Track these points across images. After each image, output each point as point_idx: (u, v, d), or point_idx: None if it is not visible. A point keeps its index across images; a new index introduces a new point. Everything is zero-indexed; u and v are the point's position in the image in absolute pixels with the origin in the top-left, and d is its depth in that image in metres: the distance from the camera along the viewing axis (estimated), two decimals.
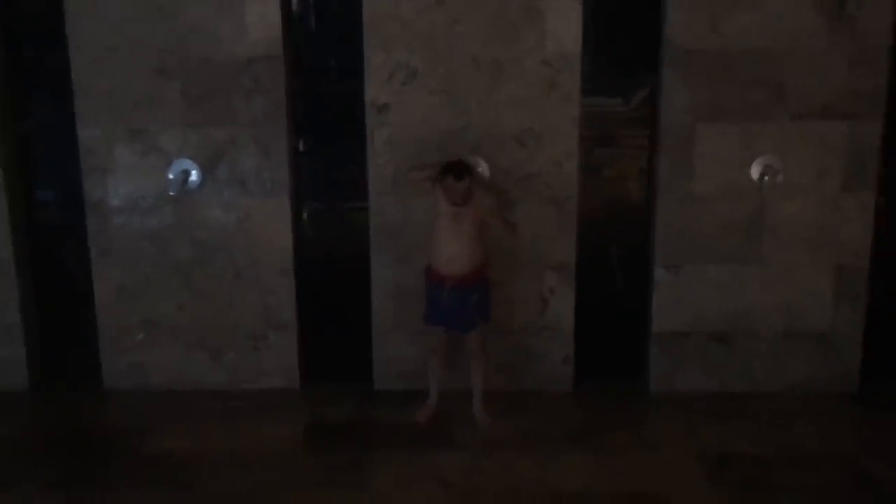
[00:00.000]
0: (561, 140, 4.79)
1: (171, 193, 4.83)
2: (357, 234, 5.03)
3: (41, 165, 5.29)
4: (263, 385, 5.13)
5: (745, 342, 5.03)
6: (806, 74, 4.68)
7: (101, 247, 5.00)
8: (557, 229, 4.90)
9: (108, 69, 4.77)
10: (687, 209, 4.86)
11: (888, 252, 4.98)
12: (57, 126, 5.01)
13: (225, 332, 5.09)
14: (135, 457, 4.44)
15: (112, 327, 5.10)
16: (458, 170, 4.39)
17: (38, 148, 5.23)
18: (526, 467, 4.30)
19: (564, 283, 4.96)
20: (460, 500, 4.06)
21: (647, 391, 5.13)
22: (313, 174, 5.28)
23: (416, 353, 4.93)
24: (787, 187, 4.78)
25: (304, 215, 5.24)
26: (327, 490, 4.13)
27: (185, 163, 4.86)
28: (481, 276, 4.56)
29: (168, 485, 4.17)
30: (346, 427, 4.77)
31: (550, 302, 4.99)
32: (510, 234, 4.62)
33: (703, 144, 4.78)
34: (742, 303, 4.97)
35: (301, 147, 5.15)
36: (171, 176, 4.85)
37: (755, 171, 4.79)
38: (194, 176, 4.87)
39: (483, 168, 4.76)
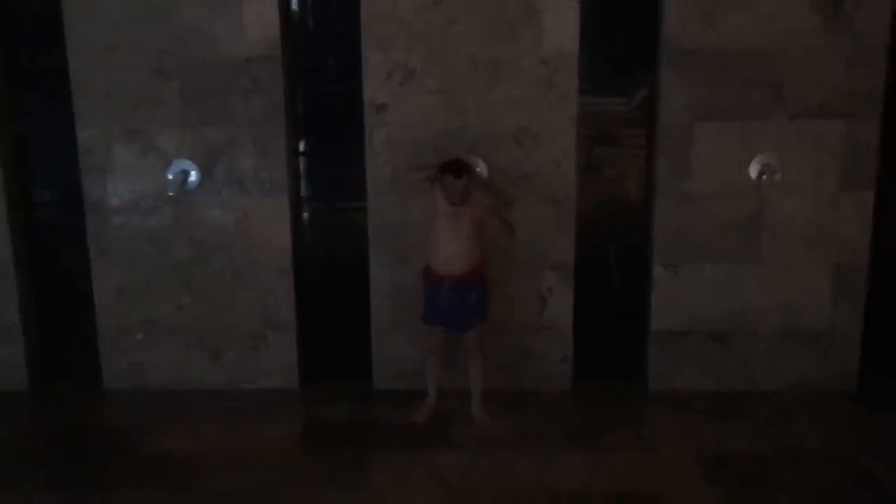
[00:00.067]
0: (559, 139, 4.80)
1: (171, 193, 4.84)
2: (355, 235, 5.04)
3: (40, 166, 5.28)
4: (262, 385, 5.13)
5: (744, 341, 5.04)
6: (803, 74, 4.68)
7: (101, 247, 5.01)
8: (556, 229, 4.91)
9: (106, 69, 4.78)
10: (685, 208, 4.87)
11: (887, 251, 4.98)
12: (55, 126, 5.02)
13: (224, 333, 5.10)
14: (134, 457, 4.45)
15: (111, 327, 5.11)
16: (456, 168, 4.39)
17: (37, 148, 5.24)
18: (524, 467, 4.30)
19: (563, 283, 4.97)
20: (458, 499, 4.07)
21: (645, 390, 5.13)
22: (312, 174, 5.29)
23: (414, 352, 4.93)
24: (785, 186, 4.78)
25: (303, 215, 5.24)
26: (326, 490, 4.13)
27: (184, 163, 4.87)
28: (479, 276, 4.56)
29: (167, 485, 4.18)
30: (344, 427, 4.77)
31: (549, 301, 5.00)
32: (508, 235, 4.63)
33: (700, 144, 4.79)
34: (740, 302, 4.98)
35: (300, 147, 5.16)
36: (170, 176, 4.86)
37: (753, 171, 4.80)
38: (193, 176, 4.88)
39: (481, 168, 4.77)
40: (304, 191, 5.26)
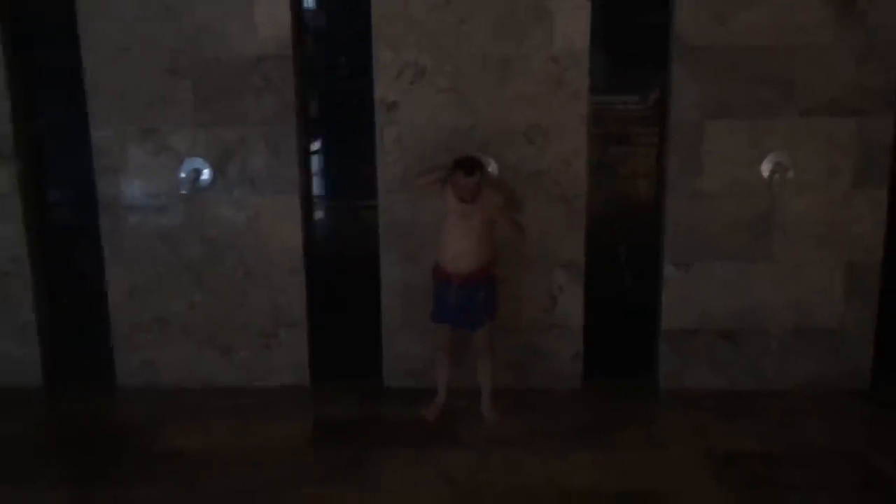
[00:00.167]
0: (569, 137, 4.79)
1: (183, 192, 4.88)
2: (367, 233, 5.05)
3: (55, 165, 5.33)
4: (274, 382, 5.16)
5: (755, 339, 5.02)
6: (814, 70, 4.66)
7: (114, 246, 5.05)
8: (566, 227, 4.90)
9: (119, 69, 4.82)
10: (695, 206, 4.86)
11: None
12: (70, 126, 5.06)
13: (236, 331, 5.13)
14: (146, 454, 4.49)
15: (124, 325, 5.15)
16: (468, 165, 4.39)
17: (52, 148, 5.28)
18: (533, 465, 4.31)
19: (573, 281, 4.97)
20: (466, 497, 4.07)
21: (656, 388, 5.13)
22: (323, 172, 5.31)
23: (424, 351, 4.95)
24: (797, 184, 4.76)
25: (315, 214, 5.27)
26: (335, 487, 4.15)
27: (197, 162, 4.90)
28: (488, 274, 4.56)
29: (178, 481, 4.21)
30: (354, 424, 4.79)
31: (559, 299, 5.00)
32: (518, 234, 4.63)
33: (711, 141, 4.77)
34: (751, 300, 4.96)
35: (311, 146, 5.18)
36: (182, 175, 4.89)
37: (765, 169, 4.78)
38: (206, 175, 4.91)
39: (492, 167, 4.77)
40: (315, 189, 5.28)
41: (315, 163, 5.24)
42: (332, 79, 5.27)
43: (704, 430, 4.67)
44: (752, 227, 4.87)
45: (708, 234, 4.89)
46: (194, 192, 4.89)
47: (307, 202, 5.14)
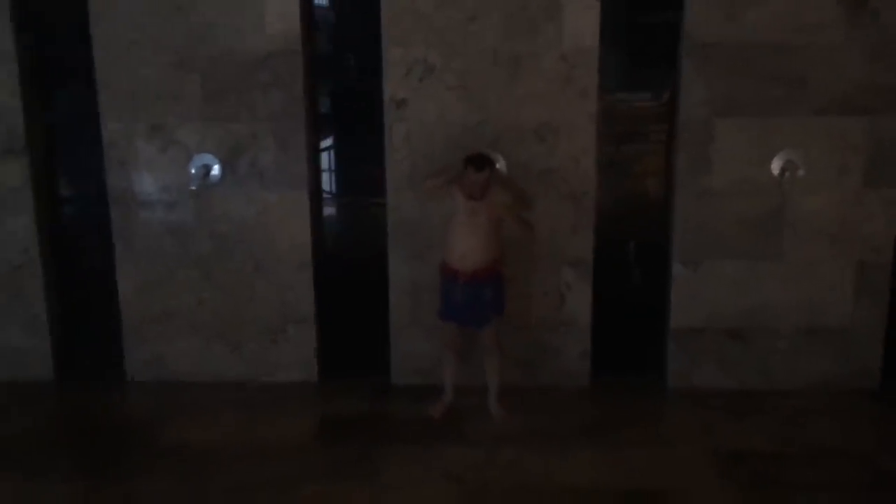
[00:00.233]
0: (578, 135, 4.78)
1: (193, 188, 4.89)
2: (375, 230, 5.06)
3: (66, 160, 5.36)
4: (281, 378, 5.18)
5: (764, 338, 5.00)
6: (826, 68, 4.63)
7: (125, 240, 5.07)
8: (575, 225, 4.89)
9: (130, 64, 4.84)
10: (705, 205, 4.84)
11: None
12: (81, 121, 5.09)
13: (244, 326, 5.15)
14: (154, 447, 4.52)
15: (134, 320, 5.18)
16: (479, 161, 4.40)
17: (64, 143, 5.31)
18: (539, 463, 4.30)
19: (581, 279, 4.96)
20: (472, 495, 4.08)
21: (664, 387, 5.11)
22: (332, 169, 5.32)
23: (432, 348, 4.95)
24: (808, 183, 4.74)
25: (323, 210, 5.28)
26: (341, 483, 4.16)
27: (206, 157, 4.92)
28: (494, 272, 4.56)
29: (185, 475, 4.23)
30: (361, 421, 4.80)
31: (567, 297, 4.99)
32: (526, 233, 4.62)
33: (721, 139, 4.75)
34: (760, 299, 4.94)
35: (321, 142, 5.19)
36: (192, 170, 4.91)
37: (776, 167, 4.75)
38: (215, 170, 4.93)
39: (500, 164, 4.76)
40: (324, 185, 5.30)
41: (325, 159, 5.24)
42: (341, 75, 5.27)
43: (712, 428, 4.65)
44: (761, 225, 4.84)
45: (717, 233, 4.87)
46: (204, 187, 4.91)
47: (316, 198, 5.15)
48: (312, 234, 5.05)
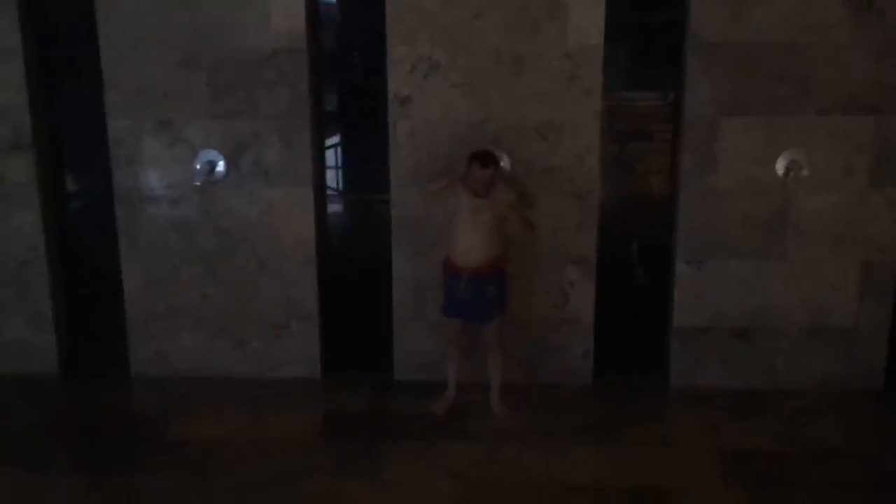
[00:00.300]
0: (582, 134, 4.78)
1: (197, 183, 4.91)
2: (379, 227, 5.06)
3: (72, 156, 5.37)
4: (285, 374, 5.19)
5: (767, 338, 4.99)
6: (831, 68, 4.62)
7: (130, 236, 5.10)
8: (579, 223, 4.89)
9: (136, 62, 4.86)
10: (709, 204, 4.83)
11: None
12: (87, 119, 5.11)
13: (248, 322, 5.17)
14: (158, 443, 4.53)
15: (139, 316, 5.20)
16: (484, 157, 4.41)
17: (70, 140, 5.33)
18: (540, 460, 4.31)
19: (585, 277, 4.96)
20: (473, 491, 4.08)
21: (667, 386, 5.11)
22: (336, 166, 5.33)
23: (435, 345, 4.96)
24: (812, 182, 4.73)
25: (328, 207, 5.29)
26: (344, 478, 4.17)
27: (211, 154, 4.93)
28: (498, 269, 4.56)
29: (189, 470, 4.25)
30: (364, 417, 4.81)
31: (571, 295, 4.99)
32: (527, 233, 4.63)
33: (726, 138, 4.74)
34: (764, 299, 4.93)
35: (326, 140, 5.20)
36: (197, 166, 4.92)
37: (780, 166, 4.74)
38: (220, 167, 4.94)
39: (504, 162, 4.77)
40: (329, 182, 5.31)
41: (329, 156, 5.25)
42: (346, 73, 5.27)
43: (716, 428, 4.65)
44: (766, 225, 4.83)
45: (722, 232, 4.87)
46: (208, 183, 4.93)
47: (320, 195, 5.16)
48: (317, 230, 5.06)
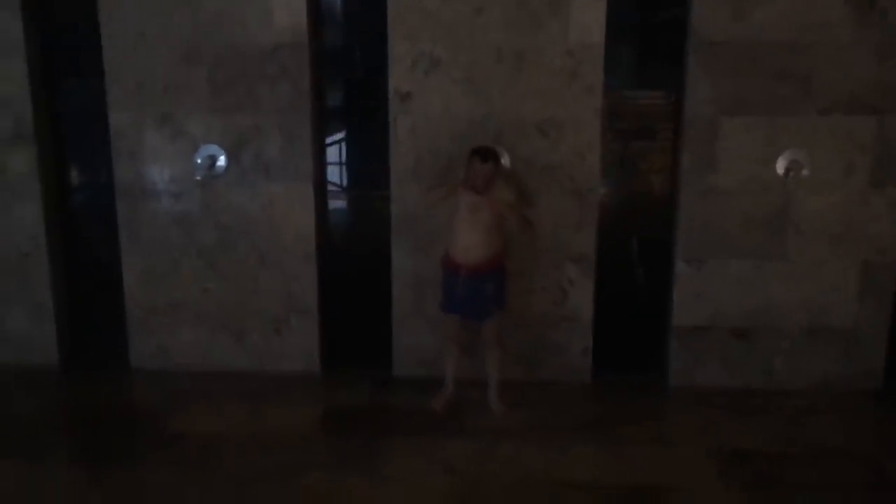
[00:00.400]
0: (583, 131, 4.78)
1: (198, 178, 4.92)
2: (379, 222, 5.07)
3: (73, 150, 5.38)
4: (285, 368, 5.20)
5: (767, 338, 4.98)
6: (833, 67, 4.61)
7: (131, 230, 5.11)
8: (579, 221, 4.89)
9: (138, 56, 4.87)
10: (709, 203, 4.83)
11: None
12: (89, 112, 5.12)
13: (248, 316, 5.18)
14: (157, 436, 4.54)
15: (139, 309, 5.21)
16: (484, 152, 4.41)
17: (72, 133, 5.34)
18: (538, 458, 4.31)
19: (584, 275, 4.96)
20: (472, 488, 4.08)
21: (666, 385, 5.11)
22: (337, 161, 5.33)
23: (434, 341, 4.96)
24: (813, 182, 4.72)
25: (328, 202, 5.29)
26: (342, 473, 4.18)
27: (212, 148, 4.94)
28: (496, 266, 4.57)
29: (189, 464, 4.25)
30: (363, 412, 4.82)
31: (570, 293, 4.99)
32: (525, 232, 4.63)
33: (727, 138, 4.74)
34: (764, 298, 4.93)
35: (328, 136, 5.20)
36: (198, 161, 4.93)
37: (781, 166, 4.74)
38: (221, 161, 4.95)
39: (505, 159, 4.77)
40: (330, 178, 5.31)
41: (330, 152, 5.26)
42: (348, 69, 5.27)
43: (715, 427, 4.64)
44: (766, 224, 4.83)
45: (722, 231, 4.86)
46: (209, 178, 4.93)
47: (321, 191, 5.16)
48: (317, 226, 5.07)
